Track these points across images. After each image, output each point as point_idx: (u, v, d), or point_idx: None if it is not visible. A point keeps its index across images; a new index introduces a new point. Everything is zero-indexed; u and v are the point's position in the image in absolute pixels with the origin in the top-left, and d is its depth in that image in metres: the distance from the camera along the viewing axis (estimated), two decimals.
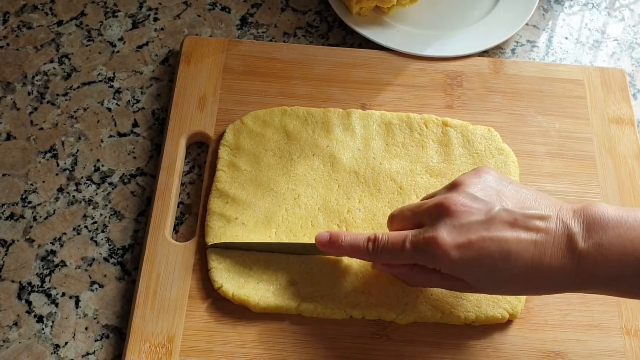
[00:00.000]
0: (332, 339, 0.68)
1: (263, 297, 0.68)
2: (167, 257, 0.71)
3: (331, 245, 0.65)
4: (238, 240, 0.71)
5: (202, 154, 0.80)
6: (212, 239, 0.72)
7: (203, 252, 0.72)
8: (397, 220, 0.65)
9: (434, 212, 0.60)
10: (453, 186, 0.62)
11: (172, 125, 0.79)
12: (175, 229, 0.75)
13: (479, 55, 0.87)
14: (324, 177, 0.75)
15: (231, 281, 0.69)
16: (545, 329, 0.69)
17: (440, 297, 0.69)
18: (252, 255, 0.71)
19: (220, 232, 0.72)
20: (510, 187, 0.60)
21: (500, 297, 0.69)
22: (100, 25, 0.90)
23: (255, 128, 0.78)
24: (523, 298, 0.69)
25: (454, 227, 0.58)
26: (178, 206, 0.76)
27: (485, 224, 0.57)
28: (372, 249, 0.62)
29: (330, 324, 0.69)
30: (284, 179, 0.75)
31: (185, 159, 0.79)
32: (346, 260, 0.71)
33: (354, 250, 0.64)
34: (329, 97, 0.82)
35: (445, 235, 0.57)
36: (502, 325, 0.69)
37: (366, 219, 0.73)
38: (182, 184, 0.77)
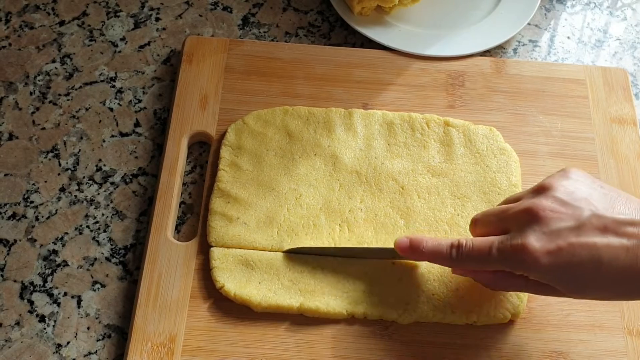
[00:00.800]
0: (334, 339, 0.68)
1: (265, 296, 0.68)
2: (168, 256, 0.71)
3: (412, 251, 0.64)
4: (241, 240, 0.71)
5: (204, 154, 0.79)
6: (214, 239, 0.71)
7: (205, 251, 0.72)
8: (480, 224, 0.63)
9: (521, 217, 0.58)
10: (540, 190, 0.60)
11: (174, 125, 0.78)
12: (177, 229, 0.75)
13: (480, 55, 0.86)
14: (325, 177, 0.75)
15: (233, 281, 0.69)
16: (547, 329, 0.69)
17: (442, 297, 0.69)
18: (254, 255, 0.71)
19: (222, 232, 0.71)
20: (599, 189, 0.59)
21: (502, 297, 0.69)
22: (102, 25, 0.89)
23: (257, 128, 0.78)
24: (525, 298, 0.69)
25: (543, 234, 0.56)
26: (180, 206, 0.76)
27: (576, 230, 0.56)
28: (456, 256, 0.61)
29: (331, 324, 0.69)
30: (286, 178, 0.75)
31: (187, 159, 0.78)
32: (349, 260, 0.71)
33: (436, 256, 0.63)
34: (331, 97, 0.82)
35: (535, 242, 0.56)
36: (504, 325, 0.69)
37: (368, 218, 0.73)
38: (183, 184, 0.77)
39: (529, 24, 0.91)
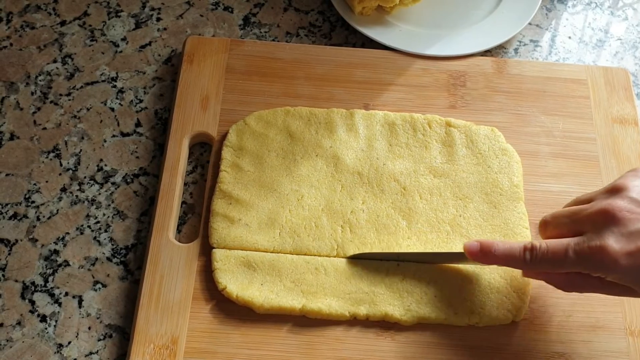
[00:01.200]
0: (336, 341, 0.68)
1: (267, 298, 0.68)
2: (170, 258, 0.71)
3: (483, 255, 0.63)
4: (242, 241, 0.71)
5: (205, 154, 0.79)
6: (216, 240, 0.71)
7: (207, 253, 0.71)
8: (552, 227, 0.63)
9: (597, 219, 0.58)
10: (614, 190, 0.59)
11: (175, 126, 0.78)
12: (178, 229, 0.74)
13: (482, 55, 0.86)
14: (327, 178, 0.75)
15: (235, 282, 0.69)
16: (549, 330, 0.69)
17: (445, 298, 0.69)
18: (256, 256, 0.70)
19: (224, 234, 0.71)
20: None
21: (504, 298, 0.68)
22: (103, 26, 0.89)
23: (259, 128, 0.77)
24: (527, 299, 0.69)
25: (621, 235, 0.56)
26: (181, 206, 0.76)
27: None
28: (530, 259, 0.60)
29: (334, 325, 0.68)
30: (288, 179, 0.74)
31: (188, 159, 0.78)
32: (350, 261, 0.70)
33: (509, 259, 0.62)
34: (332, 97, 0.81)
35: (614, 243, 0.56)
36: (506, 326, 0.69)
37: (370, 219, 0.73)
38: (185, 184, 0.77)
39: (530, 23, 0.91)
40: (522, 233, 0.72)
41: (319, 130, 0.77)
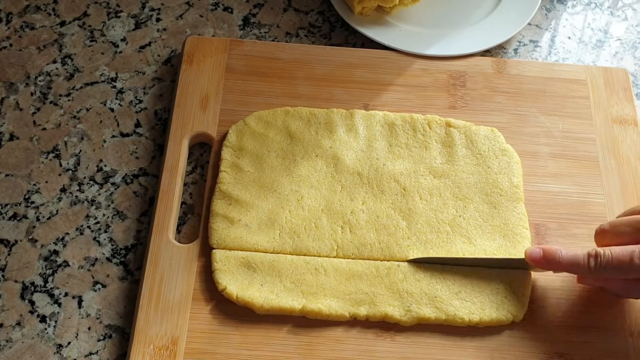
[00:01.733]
0: (336, 341, 0.67)
1: (267, 298, 0.67)
2: (170, 258, 0.70)
3: (547, 262, 0.64)
4: (242, 242, 0.70)
5: (205, 154, 0.79)
6: (215, 241, 0.71)
7: (207, 253, 0.71)
8: (610, 235, 0.63)
9: None
10: None
11: (175, 126, 0.78)
12: (178, 230, 0.74)
13: (481, 55, 0.86)
14: (327, 179, 0.74)
15: (235, 283, 0.68)
16: (549, 331, 0.68)
17: (445, 299, 0.68)
18: (256, 257, 0.70)
19: (223, 234, 0.71)
20: None
21: (504, 299, 0.68)
22: (103, 26, 0.88)
23: (258, 129, 0.77)
24: (527, 300, 0.68)
25: None
26: (181, 207, 0.75)
27: None
28: (594, 266, 0.61)
29: (334, 326, 0.68)
30: (287, 180, 0.74)
31: (187, 160, 0.78)
32: (351, 261, 0.70)
33: (573, 266, 0.62)
34: (332, 98, 0.81)
35: None
36: (506, 327, 0.68)
37: (370, 220, 0.72)
38: (184, 185, 0.76)
39: (529, 24, 0.91)
40: (522, 233, 0.72)
41: (318, 131, 0.77)
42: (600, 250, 0.61)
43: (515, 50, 0.89)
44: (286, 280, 0.69)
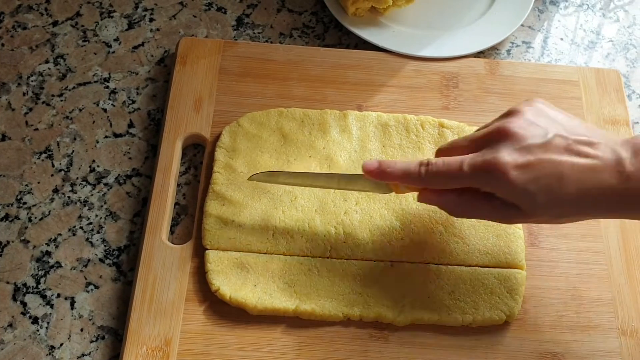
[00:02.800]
0: (330, 341, 0.67)
1: (260, 299, 0.67)
2: (163, 259, 0.70)
3: (380, 173, 0.64)
4: (236, 242, 0.70)
5: (199, 155, 0.78)
6: (209, 242, 0.70)
7: (200, 254, 0.70)
8: (446, 151, 0.64)
9: (493, 136, 0.60)
10: (509, 114, 0.61)
11: (168, 127, 0.77)
12: (171, 230, 0.73)
13: (474, 56, 0.85)
14: None
15: (228, 284, 0.68)
16: (542, 330, 0.68)
17: (438, 299, 0.68)
18: (249, 258, 0.70)
19: (217, 235, 0.70)
20: (561, 116, 0.61)
21: (497, 298, 0.68)
22: (96, 26, 0.88)
23: (252, 130, 0.76)
24: (520, 299, 0.68)
25: (514, 149, 0.58)
26: (174, 207, 0.75)
27: (543, 147, 0.58)
28: (424, 173, 0.61)
29: (328, 326, 0.68)
30: None
31: (181, 159, 0.77)
32: (345, 261, 0.70)
33: (405, 175, 0.63)
34: (325, 99, 0.80)
35: (507, 156, 0.58)
36: (499, 326, 0.68)
37: (363, 220, 0.72)
38: (178, 185, 0.76)
39: (522, 25, 0.90)
40: (515, 233, 0.72)
41: (312, 132, 0.77)
42: (433, 159, 0.62)
43: (508, 51, 0.89)
44: (279, 281, 0.69)
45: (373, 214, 0.72)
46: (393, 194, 0.72)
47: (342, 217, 0.72)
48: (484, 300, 0.68)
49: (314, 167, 0.74)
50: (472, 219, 0.72)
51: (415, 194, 0.70)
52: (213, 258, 0.69)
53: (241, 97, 0.80)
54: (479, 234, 0.72)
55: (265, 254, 0.70)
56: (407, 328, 0.68)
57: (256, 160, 0.75)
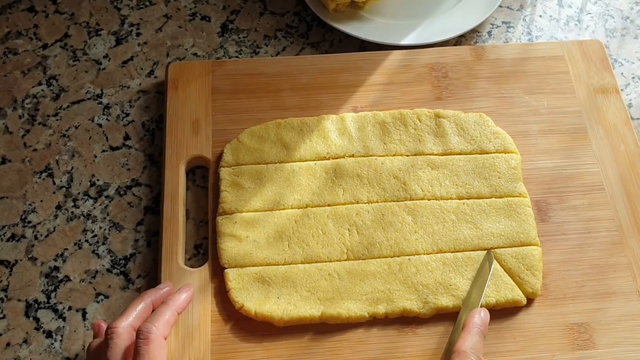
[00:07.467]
0: (359, 342, 0.62)
1: (285, 310, 0.61)
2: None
3: None
4: (253, 258, 0.63)
5: (204, 176, 0.71)
6: (226, 261, 0.65)
7: (219, 274, 0.65)
8: None
9: None
10: None
11: (169, 153, 0.70)
12: (187, 253, 0.67)
13: (457, 42, 0.79)
14: (328, 184, 0.67)
15: (252, 299, 0.62)
16: (564, 303, 0.64)
17: (460, 286, 0.63)
18: (268, 271, 0.64)
19: (233, 253, 0.65)
20: None
21: (518, 278, 0.63)
22: (85, 45, 0.80)
23: (253, 144, 0.69)
24: (540, 276, 0.63)
25: None
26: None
27: None
28: None
29: (355, 328, 0.63)
30: (289, 190, 0.67)
31: (186, 184, 0.70)
32: (362, 262, 0.64)
33: None
34: (320, 105, 0.74)
35: None
36: (522, 306, 0.63)
37: (375, 219, 0.66)
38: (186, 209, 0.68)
39: (500, 6, 0.85)
40: (525, 212, 0.67)
41: (312, 138, 0.68)
42: None
43: (489, 32, 0.81)
44: (302, 290, 0.62)
45: (384, 211, 0.66)
46: (402, 188, 0.63)
47: (354, 219, 0.65)
48: (504, 282, 0.64)
49: (320, 173, 0.69)
50: (481, 204, 0.64)
51: (424, 183, 0.64)
52: (233, 276, 0.63)
53: (237, 114, 0.73)
54: (491, 217, 0.67)
55: (283, 265, 0.65)
56: (433, 319, 0.63)
57: (261, 173, 0.68)
